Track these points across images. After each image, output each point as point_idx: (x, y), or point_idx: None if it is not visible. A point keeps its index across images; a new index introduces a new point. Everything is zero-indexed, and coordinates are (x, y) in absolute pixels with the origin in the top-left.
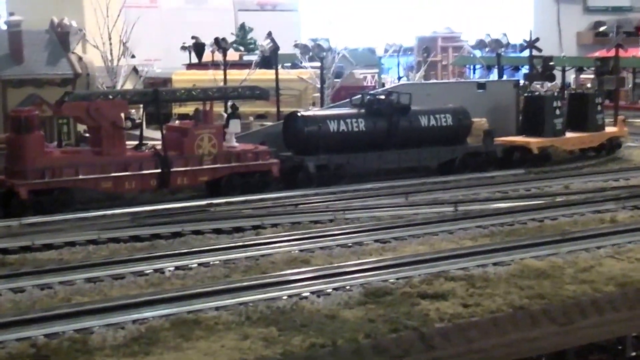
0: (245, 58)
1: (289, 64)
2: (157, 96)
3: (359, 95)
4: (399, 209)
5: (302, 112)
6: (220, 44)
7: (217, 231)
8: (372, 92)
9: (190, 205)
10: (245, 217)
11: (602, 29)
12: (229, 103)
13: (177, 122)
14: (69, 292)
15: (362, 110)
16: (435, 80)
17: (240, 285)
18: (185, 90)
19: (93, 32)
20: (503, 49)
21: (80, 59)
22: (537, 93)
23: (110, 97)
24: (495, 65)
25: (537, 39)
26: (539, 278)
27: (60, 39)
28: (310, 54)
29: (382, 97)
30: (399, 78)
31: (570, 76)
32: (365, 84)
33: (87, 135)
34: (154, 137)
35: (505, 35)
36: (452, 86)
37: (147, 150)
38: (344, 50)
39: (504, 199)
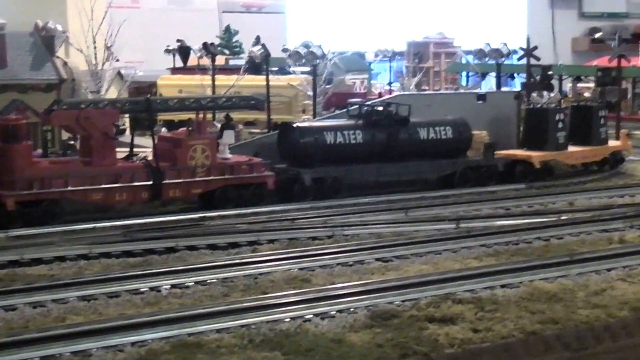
0: (232, 62)
1: (276, 69)
2: (149, 105)
3: (356, 106)
4: (399, 225)
5: (298, 123)
6: (208, 49)
7: (212, 247)
8: (369, 102)
9: (183, 218)
10: (241, 233)
11: (597, 35)
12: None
13: (163, 129)
14: (62, 311)
15: (360, 122)
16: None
17: (241, 306)
18: (177, 99)
19: (77, 34)
20: (503, 59)
21: (65, 63)
22: (538, 105)
23: (101, 105)
24: (489, 73)
25: (535, 47)
26: (550, 302)
27: (45, 42)
28: (303, 60)
29: (381, 108)
30: (390, 83)
31: (567, 85)
32: (355, 90)
33: (72, 143)
34: (141, 145)
35: (505, 44)
36: (451, 97)
37: (138, 161)
38: (335, 56)
39: (507, 215)
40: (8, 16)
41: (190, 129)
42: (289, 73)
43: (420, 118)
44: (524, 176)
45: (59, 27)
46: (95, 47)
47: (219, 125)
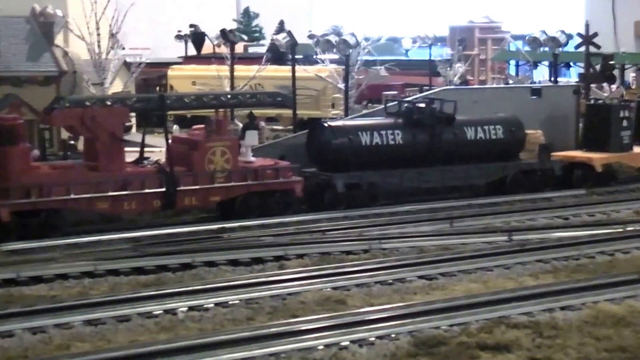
0: (251, 50)
1: (301, 56)
2: (162, 103)
3: (395, 102)
4: (444, 238)
5: (329, 121)
6: (227, 37)
7: (234, 262)
8: (410, 98)
9: (200, 229)
10: (265, 246)
11: None
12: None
13: (175, 126)
14: (66, 338)
15: (400, 120)
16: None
17: (268, 332)
18: (195, 95)
19: (78, 20)
20: (561, 48)
21: (65, 53)
22: (600, 100)
23: (109, 103)
24: (542, 61)
25: (595, 34)
26: (617, 326)
27: (43, 30)
28: (334, 50)
29: (423, 105)
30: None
31: (630, 75)
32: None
33: (73, 143)
34: (151, 145)
35: (563, 32)
36: (502, 92)
37: (149, 166)
38: (369, 43)
39: (566, 226)
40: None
41: (208, 129)
42: (316, 62)
43: (467, 116)
44: (584, 181)
45: (59, 13)
46: (98, 35)
47: (240, 125)
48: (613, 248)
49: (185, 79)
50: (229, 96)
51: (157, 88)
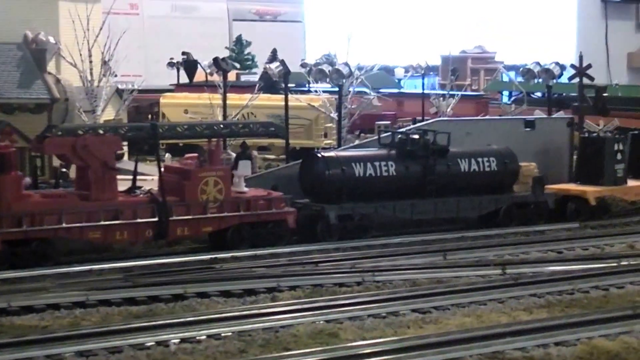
0: (244, 78)
1: (293, 85)
2: (155, 132)
3: (389, 133)
4: (437, 270)
5: (323, 152)
6: (219, 65)
7: (226, 294)
8: (404, 129)
9: (192, 260)
10: (258, 278)
11: None
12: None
13: (167, 155)
14: None
15: (393, 152)
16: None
17: None
18: (187, 125)
19: (70, 46)
20: (554, 80)
21: (57, 80)
22: (594, 133)
23: (101, 131)
24: (535, 93)
25: (589, 66)
26: None
27: (35, 57)
28: (327, 80)
29: (416, 136)
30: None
31: None
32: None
33: (65, 171)
34: (142, 172)
35: (557, 63)
36: (495, 123)
37: (141, 195)
38: (362, 73)
39: (560, 260)
40: None
41: (201, 158)
42: (308, 91)
43: (460, 148)
44: (578, 214)
45: (51, 39)
46: (91, 62)
47: (233, 154)
48: (607, 283)
49: (177, 107)
50: (221, 126)
51: (149, 116)
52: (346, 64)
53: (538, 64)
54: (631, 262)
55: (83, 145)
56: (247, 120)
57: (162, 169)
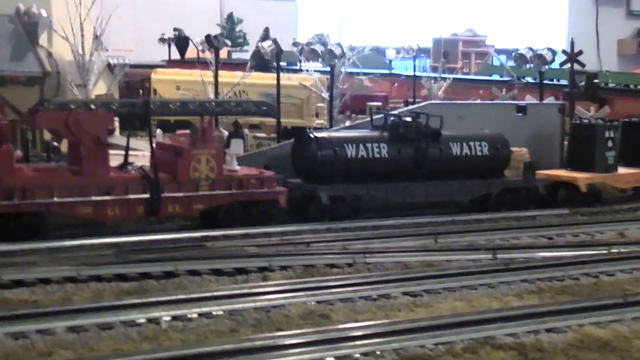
0: (235, 56)
1: (284, 64)
2: (147, 109)
3: (381, 115)
4: (428, 254)
5: (315, 133)
6: (212, 42)
7: (217, 272)
8: (396, 112)
9: (183, 237)
10: (249, 257)
11: None
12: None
13: (158, 130)
14: (49, 344)
15: (385, 134)
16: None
17: (253, 346)
18: (180, 102)
19: (62, 20)
20: (547, 66)
21: (50, 54)
22: (586, 119)
23: (94, 107)
24: (526, 77)
25: (581, 52)
26: (602, 351)
27: (27, 30)
28: (320, 60)
29: (409, 119)
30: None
31: None
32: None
33: (57, 145)
34: (133, 148)
35: (550, 49)
36: (487, 108)
37: (134, 171)
38: (354, 54)
39: (550, 246)
40: None
41: (193, 136)
42: (300, 70)
43: (452, 131)
44: (568, 201)
45: (43, 13)
46: (82, 36)
47: (225, 133)
48: (598, 270)
49: (169, 83)
50: (214, 104)
51: (140, 92)
52: (339, 45)
53: (531, 49)
54: (621, 250)
55: (75, 120)
56: (239, 98)
57: (154, 146)
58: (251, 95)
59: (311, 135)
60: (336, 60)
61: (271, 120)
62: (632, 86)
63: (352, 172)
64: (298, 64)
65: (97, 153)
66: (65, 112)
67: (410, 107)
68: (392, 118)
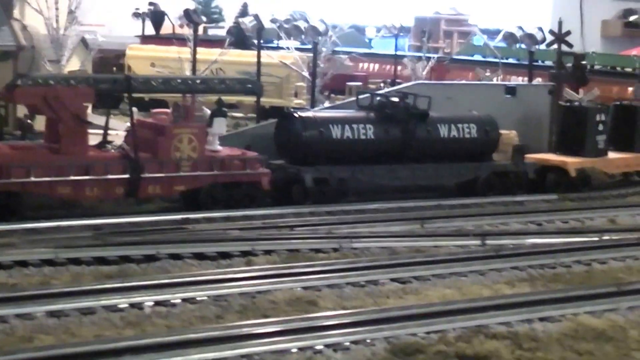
0: (211, 32)
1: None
2: (129, 85)
3: (367, 95)
4: (416, 239)
5: (300, 112)
6: (191, 17)
7: (199, 256)
8: (383, 91)
9: (163, 219)
10: (232, 240)
11: (632, 18)
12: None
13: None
14: (29, 329)
15: (372, 114)
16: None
17: (240, 332)
18: (162, 79)
19: None
20: (537, 47)
21: (24, 27)
22: (576, 102)
23: (74, 82)
24: (510, 58)
25: (568, 32)
26: (598, 340)
27: (2, 2)
28: (303, 36)
29: (396, 99)
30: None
31: None
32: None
33: (30, 122)
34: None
35: (541, 29)
36: (476, 89)
37: (113, 150)
38: (336, 32)
39: (540, 233)
40: None
41: (175, 114)
42: (279, 48)
43: (440, 113)
44: (557, 185)
45: None
46: (57, 9)
47: (208, 112)
48: (589, 258)
49: (144, 59)
50: (197, 81)
51: (114, 68)
52: (322, 21)
53: (521, 28)
54: (613, 237)
55: (54, 96)
56: (222, 75)
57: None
58: (229, 73)
59: (295, 115)
60: (319, 37)
61: (250, 100)
62: (619, 68)
63: (337, 153)
64: (275, 41)
65: (76, 131)
66: (44, 87)
67: (397, 87)
68: (378, 98)
